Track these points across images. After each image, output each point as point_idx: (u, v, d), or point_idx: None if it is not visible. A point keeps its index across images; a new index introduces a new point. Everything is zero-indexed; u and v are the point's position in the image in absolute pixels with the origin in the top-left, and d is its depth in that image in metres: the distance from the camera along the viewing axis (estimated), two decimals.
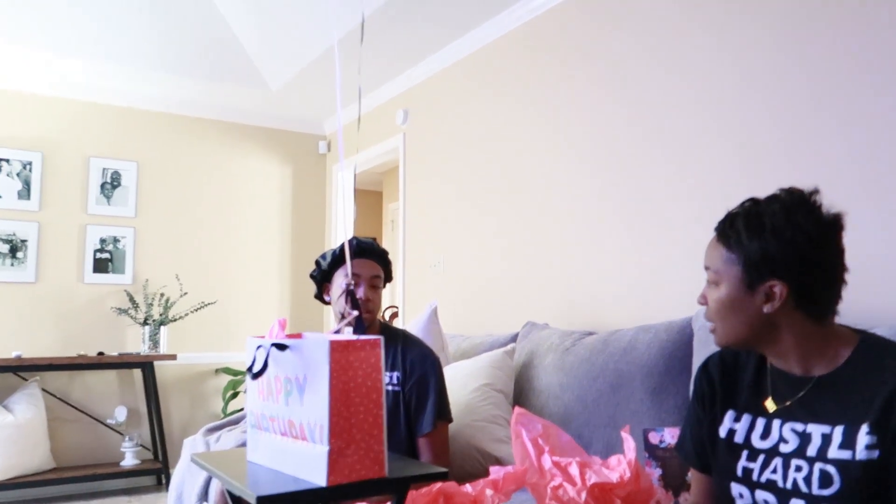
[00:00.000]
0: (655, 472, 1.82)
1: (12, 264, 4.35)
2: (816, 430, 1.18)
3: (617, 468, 1.62)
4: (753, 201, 1.25)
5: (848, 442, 1.13)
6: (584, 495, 1.56)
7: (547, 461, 1.68)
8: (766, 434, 1.24)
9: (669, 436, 1.85)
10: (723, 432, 1.30)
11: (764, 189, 1.33)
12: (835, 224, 1.19)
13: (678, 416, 2.06)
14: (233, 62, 4.46)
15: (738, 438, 1.28)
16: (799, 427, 1.20)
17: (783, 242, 1.17)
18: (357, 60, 4.01)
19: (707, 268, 1.29)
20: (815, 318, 1.20)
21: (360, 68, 3.98)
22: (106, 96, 4.67)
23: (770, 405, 1.26)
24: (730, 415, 1.31)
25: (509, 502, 1.75)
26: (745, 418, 1.28)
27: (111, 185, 4.68)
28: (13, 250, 4.36)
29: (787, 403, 1.23)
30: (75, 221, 4.56)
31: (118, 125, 4.74)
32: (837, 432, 1.15)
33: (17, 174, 4.41)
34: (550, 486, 1.63)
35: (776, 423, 1.24)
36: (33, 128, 4.48)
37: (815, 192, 1.21)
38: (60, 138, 4.55)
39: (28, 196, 4.42)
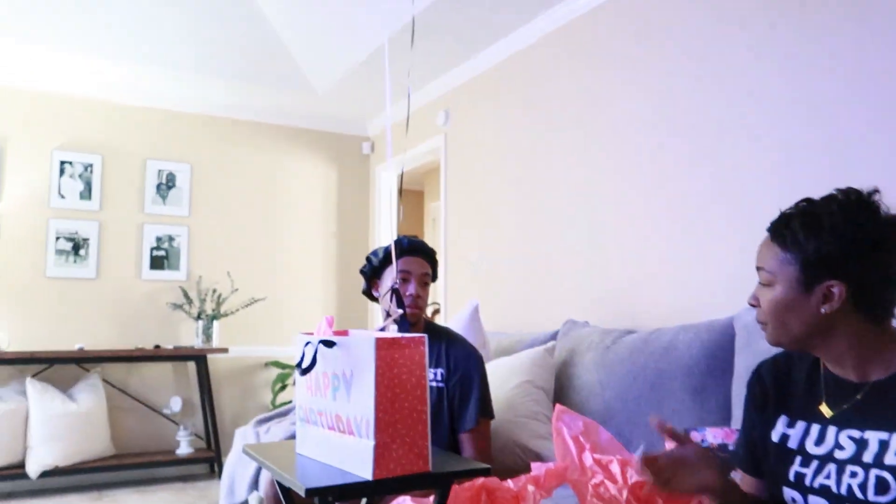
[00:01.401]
0: None
1: (75, 261, 4.48)
2: (874, 437, 1.13)
3: None
4: (809, 201, 1.20)
5: None
6: (625, 493, 1.53)
7: (588, 458, 1.66)
8: (820, 440, 1.20)
9: (711, 435, 1.81)
10: (775, 437, 1.26)
11: (805, 190, 1.28)
12: (895, 224, 1.14)
13: (719, 416, 2.01)
14: (280, 67, 4.52)
15: (792, 444, 1.24)
16: (856, 434, 1.15)
17: (843, 242, 1.12)
18: (400, 63, 4.02)
19: (760, 268, 1.22)
20: (874, 320, 1.15)
21: (409, 71, 3.99)
22: (160, 101, 4.78)
23: (825, 410, 1.20)
24: (783, 420, 1.27)
25: (550, 499, 1.73)
26: (800, 424, 1.24)
27: (166, 185, 4.78)
28: (76, 248, 4.49)
29: (843, 409, 1.18)
30: (133, 220, 4.67)
31: (172, 128, 4.84)
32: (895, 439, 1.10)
33: (80, 176, 4.54)
34: (592, 484, 1.61)
35: (832, 429, 1.19)
36: (94, 132, 4.60)
37: (875, 191, 1.16)
38: (119, 142, 4.67)
39: (89, 196, 4.55)
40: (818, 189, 1.24)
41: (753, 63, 2.42)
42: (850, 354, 1.18)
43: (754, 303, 1.24)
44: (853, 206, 1.15)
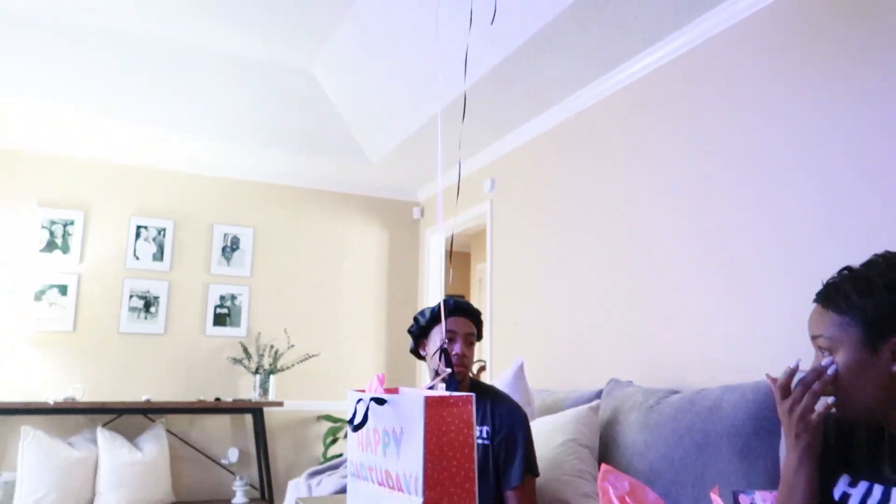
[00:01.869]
0: None
1: (146, 318, 4.60)
2: None
3: None
4: (850, 268, 1.17)
5: None
6: None
7: None
8: (885, 502, 1.13)
9: (760, 499, 1.71)
10: (836, 494, 1.19)
11: (854, 251, 1.24)
12: None
13: (767, 479, 1.91)
14: (337, 138, 4.66)
15: (853, 503, 1.16)
16: None
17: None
18: (449, 134, 4.10)
19: (816, 336, 1.17)
20: None
21: (460, 143, 4.07)
22: (227, 170, 4.97)
23: (889, 473, 1.14)
24: (844, 479, 1.20)
25: None
26: (862, 484, 1.17)
27: (231, 248, 4.92)
28: (147, 306, 4.62)
29: None
30: (199, 280, 4.80)
31: (238, 195, 5.01)
32: None
33: (153, 239, 4.70)
34: None
35: (895, 491, 1.12)
36: (167, 199, 4.80)
37: None
38: (189, 208, 4.85)
39: (161, 258, 4.70)
40: (859, 251, 1.21)
41: (809, 123, 2.39)
42: None
43: None
44: None
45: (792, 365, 1.22)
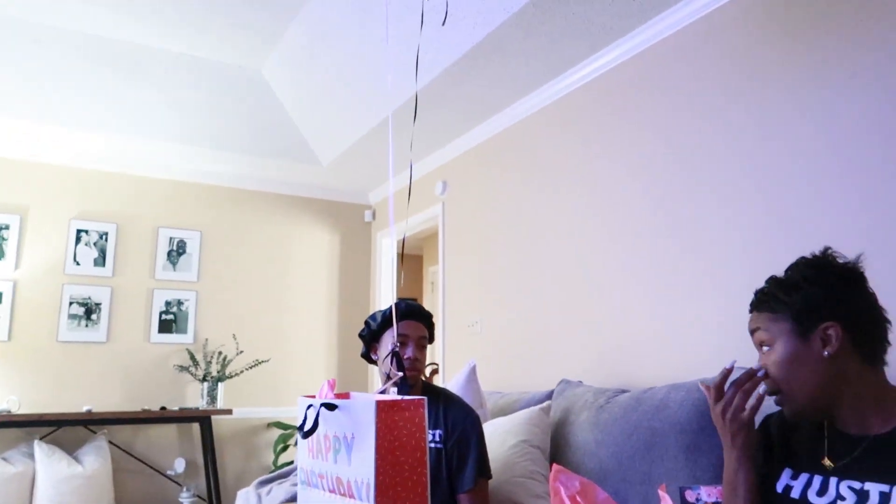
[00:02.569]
0: None
1: (87, 325, 4.44)
2: (874, 489, 1.11)
3: None
4: (774, 276, 1.27)
5: None
6: None
7: None
8: (822, 491, 1.18)
9: (706, 494, 1.76)
10: (779, 487, 1.24)
11: (796, 250, 1.32)
12: (856, 269, 1.21)
13: (713, 474, 1.96)
14: (287, 141, 4.60)
15: (795, 494, 1.21)
16: (856, 485, 1.14)
17: (821, 287, 1.18)
18: (400, 135, 4.09)
19: (755, 331, 1.26)
20: (870, 361, 1.18)
21: (411, 145, 4.06)
22: (173, 173, 4.84)
23: (827, 463, 1.20)
24: (787, 472, 1.25)
25: None
26: (803, 476, 1.23)
27: (177, 252, 4.79)
28: (88, 313, 4.46)
29: (845, 461, 1.18)
30: (144, 286, 4.66)
31: (184, 198, 4.88)
32: None
33: (94, 244, 4.55)
34: None
35: (833, 480, 1.18)
36: (109, 202, 4.64)
37: (828, 248, 1.24)
38: (133, 211, 4.71)
39: (103, 263, 4.55)
40: (801, 251, 1.29)
41: (732, 138, 2.46)
42: (853, 406, 1.18)
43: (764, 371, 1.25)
44: (815, 260, 1.23)
45: (727, 366, 1.27)
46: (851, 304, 1.16)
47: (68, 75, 3.88)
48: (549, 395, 2.80)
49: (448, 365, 4.22)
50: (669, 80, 2.75)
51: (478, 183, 4.07)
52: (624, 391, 2.45)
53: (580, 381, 2.83)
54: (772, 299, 1.22)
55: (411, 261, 7.35)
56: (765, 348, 1.23)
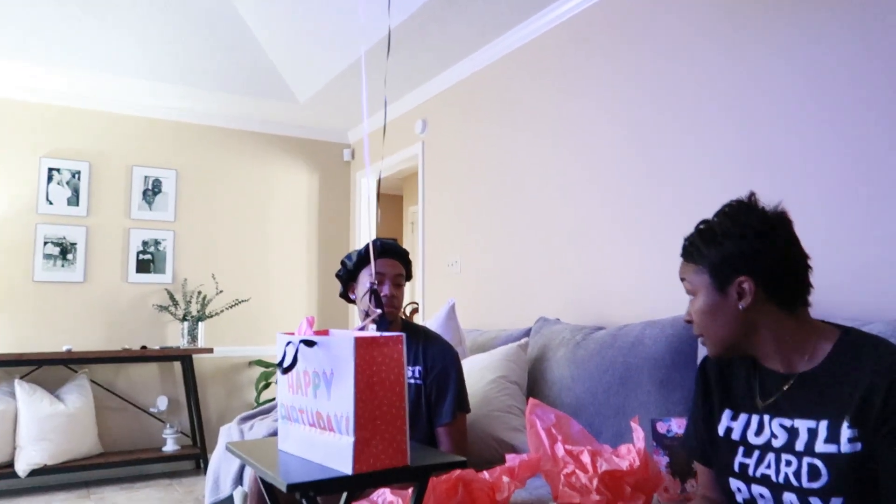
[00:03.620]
0: (663, 460, 1.79)
1: (63, 265, 4.39)
2: (803, 426, 1.15)
3: (627, 456, 1.60)
4: (704, 221, 1.29)
5: (832, 436, 1.10)
6: (595, 482, 1.53)
7: (560, 449, 1.66)
8: (759, 431, 1.22)
9: (676, 426, 1.81)
10: (721, 430, 1.29)
11: (765, 190, 1.32)
12: (778, 217, 1.21)
13: (684, 407, 2.02)
14: (263, 77, 4.47)
15: (735, 435, 1.26)
16: (787, 422, 1.18)
17: (735, 241, 1.20)
18: (379, 73, 4.00)
19: (683, 280, 1.30)
20: (788, 307, 1.20)
21: (385, 80, 3.97)
22: (147, 110, 4.71)
23: (759, 402, 1.24)
24: (727, 413, 1.29)
25: (524, 489, 1.72)
26: (742, 417, 1.27)
27: (152, 191, 4.71)
28: (63, 253, 4.40)
29: (773, 400, 1.21)
30: (119, 225, 4.59)
31: (159, 136, 4.77)
32: (822, 427, 1.12)
33: (67, 182, 4.45)
34: (563, 473, 1.61)
35: (766, 418, 1.22)
36: (81, 140, 4.52)
37: (752, 194, 1.25)
38: (105, 149, 4.59)
39: (77, 203, 4.46)
40: (771, 191, 1.28)
41: (710, 81, 2.44)
42: (775, 348, 1.22)
43: (688, 318, 1.30)
44: (736, 210, 1.24)
45: None
46: (765, 256, 1.18)
47: (35, 10, 3.70)
48: (527, 333, 2.84)
49: (428, 304, 4.26)
50: (649, 22, 2.70)
51: (457, 123, 4.02)
52: (600, 328, 2.49)
53: (557, 319, 2.87)
54: (695, 250, 1.26)
55: (391, 201, 7.31)
56: (690, 297, 1.28)
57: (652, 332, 2.19)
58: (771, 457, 1.18)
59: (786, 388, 1.19)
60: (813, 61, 2.11)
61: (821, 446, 1.11)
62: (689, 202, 2.50)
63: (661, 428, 1.82)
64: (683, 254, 1.30)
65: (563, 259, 3.11)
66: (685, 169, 2.53)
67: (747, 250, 1.18)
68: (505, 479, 1.61)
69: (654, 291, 2.62)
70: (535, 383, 2.56)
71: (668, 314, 2.38)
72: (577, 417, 2.24)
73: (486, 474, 1.61)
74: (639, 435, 1.60)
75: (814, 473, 1.10)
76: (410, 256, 2.24)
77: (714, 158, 2.42)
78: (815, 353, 1.18)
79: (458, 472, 1.54)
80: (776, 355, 1.21)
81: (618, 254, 2.81)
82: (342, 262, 2.17)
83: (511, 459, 1.66)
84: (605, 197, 2.89)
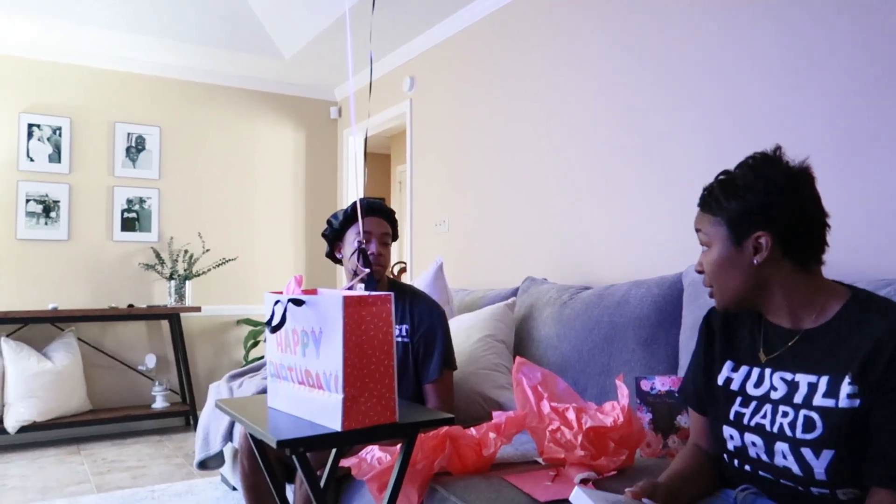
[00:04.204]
0: (646, 417, 1.82)
1: (46, 223, 4.34)
2: (803, 380, 1.17)
3: (611, 413, 1.63)
4: (725, 172, 1.26)
5: (832, 391, 1.12)
6: (580, 438, 1.57)
7: (546, 406, 1.68)
8: (759, 382, 1.24)
9: (660, 383, 1.85)
10: (720, 380, 1.30)
11: (749, 150, 1.31)
12: (802, 173, 1.20)
13: (668, 365, 2.06)
14: (248, 32, 4.37)
15: (734, 386, 1.28)
16: (788, 376, 1.19)
17: (757, 195, 1.18)
18: (366, 28, 3.92)
19: (698, 230, 1.29)
20: (802, 265, 1.20)
21: (371, 36, 3.89)
22: (129, 65, 4.60)
23: (762, 356, 1.25)
24: (728, 364, 1.31)
25: (510, 444, 1.76)
26: (742, 369, 1.28)
27: (136, 148, 4.63)
28: (46, 210, 4.34)
29: (777, 354, 1.23)
30: (103, 183, 4.53)
31: (141, 92, 4.67)
32: (823, 382, 1.14)
33: (48, 139, 4.36)
34: (549, 430, 1.64)
35: (767, 371, 1.23)
36: (62, 95, 4.42)
37: (778, 148, 1.23)
38: (87, 105, 4.50)
39: (59, 160, 4.38)
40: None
41: (696, 43, 2.41)
42: (785, 304, 1.22)
43: (700, 268, 1.29)
44: (760, 163, 1.22)
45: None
46: (786, 212, 1.17)
47: None
48: (514, 292, 2.86)
49: (415, 263, 4.26)
50: None
51: (446, 81, 3.96)
52: (587, 288, 2.51)
53: (545, 279, 2.88)
54: (714, 200, 1.24)
55: (379, 160, 7.25)
56: (704, 248, 1.28)
57: (638, 291, 2.21)
58: (768, 407, 1.20)
59: (790, 343, 1.21)
60: (795, 21, 2.09)
61: (819, 400, 1.13)
62: (676, 163, 2.50)
63: (645, 385, 1.86)
64: (701, 203, 1.28)
65: (550, 219, 3.12)
66: (672, 130, 2.52)
67: (768, 205, 1.17)
68: (492, 435, 1.64)
69: (641, 251, 2.63)
70: (521, 342, 2.59)
71: (653, 274, 2.40)
72: (562, 375, 2.27)
73: (473, 431, 1.64)
74: (623, 392, 1.63)
75: (808, 425, 1.12)
76: (398, 216, 2.23)
77: (701, 119, 2.40)
78: (823, 311, 1.19)
79: (445, 428, 1.57)
80: (784, 311, 1.22)
81: (605, 214, 2.81)
82: (328, 222, 2.16)
83: (498, 416, 1.68)
84: (592, 158, 2.88)
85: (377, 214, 2.12)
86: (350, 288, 1.56)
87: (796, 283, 1.20)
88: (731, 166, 1.28)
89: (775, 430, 1.17)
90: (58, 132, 4.38)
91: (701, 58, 2.42)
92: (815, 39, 2.06)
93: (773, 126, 2.17)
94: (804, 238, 1.19)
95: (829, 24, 2.02)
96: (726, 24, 2.33)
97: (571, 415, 1.62)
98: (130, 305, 4.43)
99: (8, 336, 4.09)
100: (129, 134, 4.61)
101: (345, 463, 1.58)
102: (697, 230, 1.29)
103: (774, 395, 1.20)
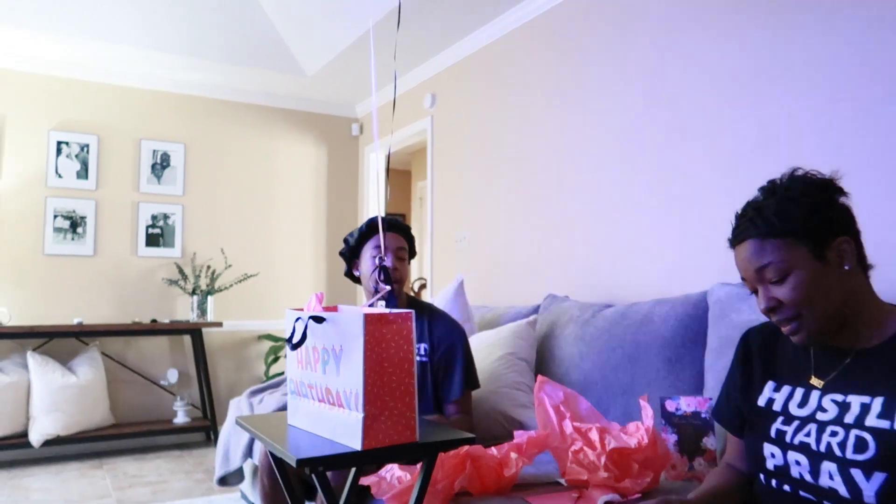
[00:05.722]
0: (671, 438, 1.79)
1: (73, 239, 4.41)
2: (856, 400, 1.12)
3: (635, 434, 1.60)
4: (769, 192, 1.19)
5: (887, 412, 1.07)
6: (603, 459, 1.54)
7: (568, 426, 1.66)
8: (804, 402, 1.19)
9: (685, 404, 1.81)
10: (762, 401, 1.25)
11: (778, 168, 1.28)
12: (831, 180, 1.18)
13: (693, 386, 2.02)
14: (271, 50, 4.43)
15: (777, 407, 1.23)
16: (839, 398, 1.14)
17: (823, 203, 1.14)
18: (388, 46, 3.95)
19: (764, 267, 1.15)
20: (866, 272, 1.18)
21: (395, 54, 3.93)
22: (154, 82, 4.69)
23: (816, 381, 1.19)
24: (770, 385, 1.26)
25: (532, 465, 1.73)
26: (785, 388, 1.23)
27: (161, 165, 4.70)
28: (73, 226, 4.41)
29: (831, 377, 1.17)
30: (128, 199, 4.60)
31: (167, 110, 4.75)
32: (877, 402, 1.09)
33: (76, 156, 4.45)
34: (571, 450, 1.61)
35: (815, 393, 1.18)
36: (90, 113, 4.51)
37: (797, 168, 1.20)
38: (114, 122, 4.58)
39: (86, 176, 4.46)
40: (776, 173, 1.24)
41: (727, 60, 2.39)
42: (854, 321, 1.16)
43: (772, 304, 1.16)
44: (803, 177, 1.18)
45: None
46: (850, 214, 1.15)
47: None
48: (536, 310, 2.84)
49: (436, 280, 4.26)
50: None
51: (466, 97, 3.98)
52: (609, 306, 2.48)
53: (566, 296, 2.86)
54: (777, 221, 1.13)
55: (399, 176, 7.28)
56: (771, 283, 1.15)
57: (662, 309, 2.18)
58: (812, 427, 1.14)
59: (844, 363, 1.16)
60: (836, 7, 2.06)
61: (872, 420, 1.08)
62: (700, 181, 2.47)
63: (670, 406, 1.82)
64: (758, 233, 1.15)
65: (572, 236, 3.10)
66: (694, 145, 2.49)
67: (834, 209, 1.14)
68: (513, 455, 1.62)
69: (664, 269, 2.60)
70: (543, 360, 2.56)
71: (677, 292, 2.37)
72: (585, 395, 2.24)
73: (494, 450, 1.62)
74: (647, 413, 1.60)
75: (860, 446, 1.07)
76: (419, 232, 2.23)
77: (725, 134, 2.38)
78: (881, 329, 1.14)
79: (466, 448, 1.55)
80: (850, 329, 1.16)
81: (627, 231, 2.79)
82: (345, 240, 2.17)
83: (519, 436, 1.66)
84: (616, 175, 2.87)
85: (392, 230, 2.13)
86: (371, 305, 1.55)
87: (868, 295, 1.16)
88: (755, 182, 1.24)
89: (822, 448, 1.11)
90: (85, 149, 4.47)
91: (726, 72, 2.40)
92: (843, 60, 2.03)
93: (794, 145, 2.13)
94: (860, 239, 1.17)
95: (859, 46, 1.99)
96: (768, 35, 2.31)
97: (594, 435, 1.59)
98: (153, 320, 4.48)
99: (34, 350, 4.14)
100: (154, 150, 4.68)
101: (364, 481, 1.57)
102: (763, 266, 1.14)
103: (822, 417, 1.15)
